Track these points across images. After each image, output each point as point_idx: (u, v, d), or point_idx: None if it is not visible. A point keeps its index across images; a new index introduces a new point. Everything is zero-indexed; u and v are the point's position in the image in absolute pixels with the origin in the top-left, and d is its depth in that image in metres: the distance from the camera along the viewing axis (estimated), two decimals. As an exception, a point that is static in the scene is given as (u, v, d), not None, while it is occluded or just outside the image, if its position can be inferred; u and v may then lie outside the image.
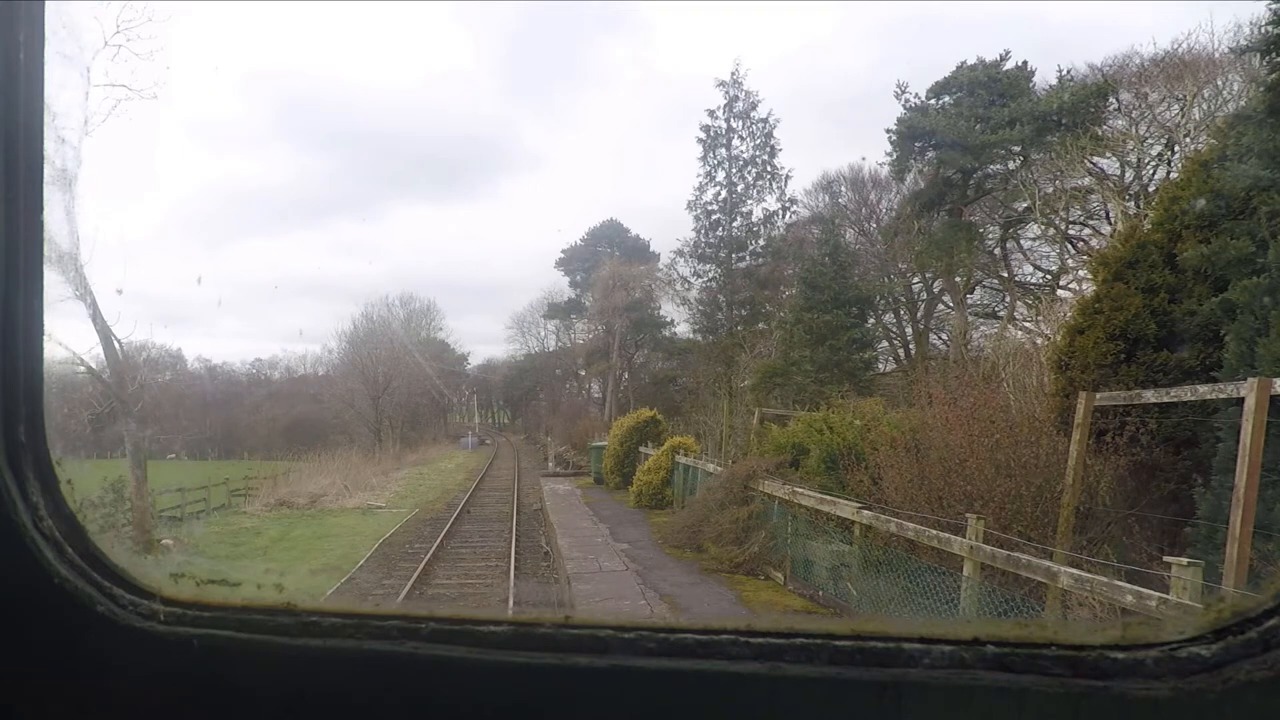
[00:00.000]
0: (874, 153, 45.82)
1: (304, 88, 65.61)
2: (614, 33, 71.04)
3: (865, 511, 8.16)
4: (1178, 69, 23.29)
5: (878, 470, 10.06)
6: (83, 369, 17.64)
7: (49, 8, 0.87)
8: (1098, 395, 7.48)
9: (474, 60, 72.33)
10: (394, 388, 50.89)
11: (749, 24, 61.43)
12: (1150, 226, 8.56)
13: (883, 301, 31.78)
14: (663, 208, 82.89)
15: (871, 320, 29.35)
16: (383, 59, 74.15)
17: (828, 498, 9.27)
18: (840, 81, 56.42)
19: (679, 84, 65.59)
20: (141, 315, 49.95)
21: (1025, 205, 28.56)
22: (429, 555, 15.43)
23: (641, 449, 22.43)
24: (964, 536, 6.44)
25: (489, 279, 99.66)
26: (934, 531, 6.85)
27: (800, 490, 9.77)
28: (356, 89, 67.20)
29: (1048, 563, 5.30)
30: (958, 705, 0.72)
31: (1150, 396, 7.04)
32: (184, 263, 50.46)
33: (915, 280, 32.83)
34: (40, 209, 0.89)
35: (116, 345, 18.45)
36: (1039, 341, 14.67)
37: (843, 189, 35.16)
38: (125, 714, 0.87)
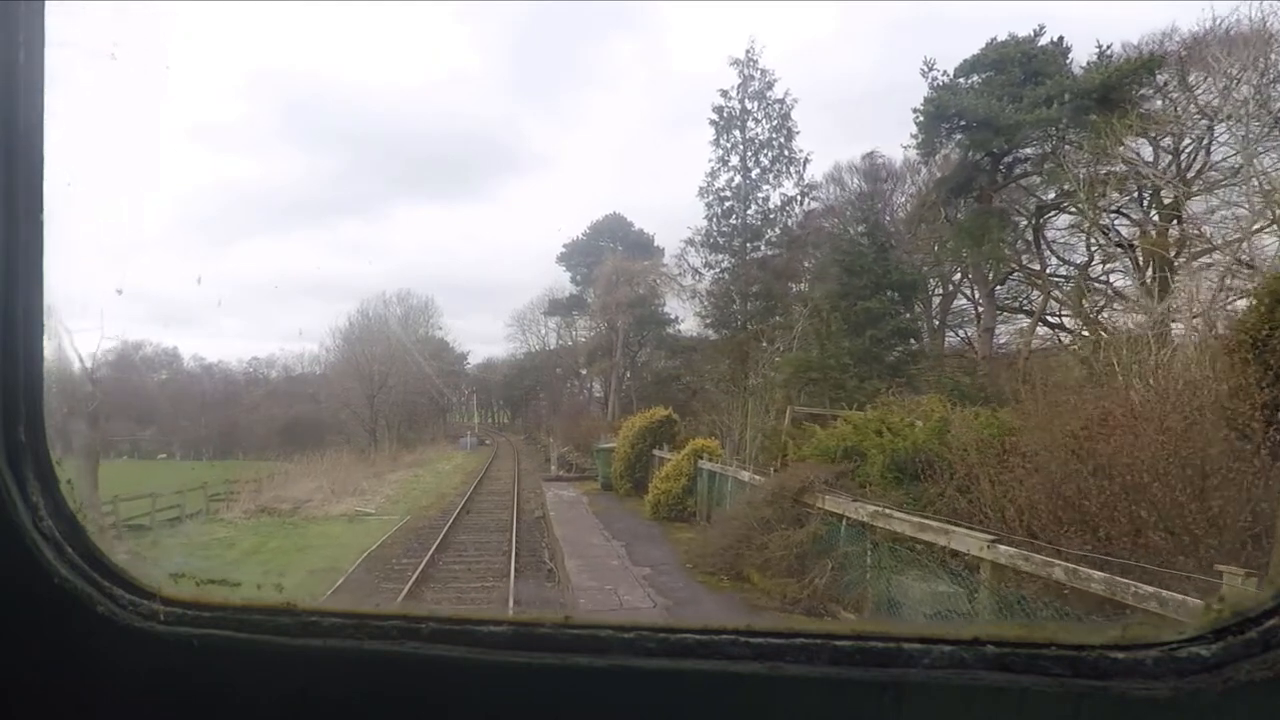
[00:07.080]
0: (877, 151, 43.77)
1: (308, 87, 63.61)
2: (620, 30, 69.32)
3: (1002, 547, 6.03)
4: (1225, 45, 21.54)
5: (968, 481, 8.09)
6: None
7: (49, 7, 0.86)
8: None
9: (479, 60, 70.46)
10: (390, 386, 49.32)
11: (751, 21, 59.71)
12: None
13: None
14: (666, 206, 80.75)
15: (905, 312, 27.11)
16: (387, 58, 72.26)
17: (935, 523, 7.16)
18: (843, 81, 54.50)
19: (684, 81, 63.61)
20: (145, 315, 48.25)
21: (1055, 192, 26.80)
22: (417, 573, 13.49)
23: (655, 452, 20.37)
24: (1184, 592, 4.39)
25: (491, 279, 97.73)
26: (1149, 589, 4.53)
27: (891, 512, 7.62)
28: (360, 88, 65.39)
29: None
30: (958, 705, 0.71)
31: None
32: (188, 262, 48.44)
33: (932, 272, 30.81)
34: (40, 209, 0.87)
35: (68, 342, 16.52)
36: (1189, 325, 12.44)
37: (856, 180, 33.21)
38: (125, 713, 0.86)
